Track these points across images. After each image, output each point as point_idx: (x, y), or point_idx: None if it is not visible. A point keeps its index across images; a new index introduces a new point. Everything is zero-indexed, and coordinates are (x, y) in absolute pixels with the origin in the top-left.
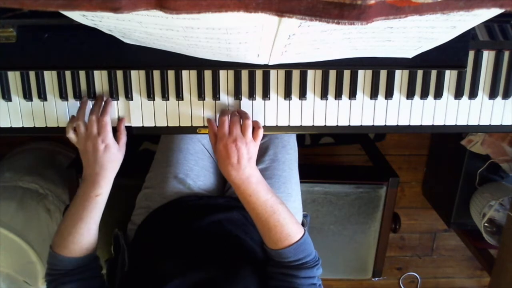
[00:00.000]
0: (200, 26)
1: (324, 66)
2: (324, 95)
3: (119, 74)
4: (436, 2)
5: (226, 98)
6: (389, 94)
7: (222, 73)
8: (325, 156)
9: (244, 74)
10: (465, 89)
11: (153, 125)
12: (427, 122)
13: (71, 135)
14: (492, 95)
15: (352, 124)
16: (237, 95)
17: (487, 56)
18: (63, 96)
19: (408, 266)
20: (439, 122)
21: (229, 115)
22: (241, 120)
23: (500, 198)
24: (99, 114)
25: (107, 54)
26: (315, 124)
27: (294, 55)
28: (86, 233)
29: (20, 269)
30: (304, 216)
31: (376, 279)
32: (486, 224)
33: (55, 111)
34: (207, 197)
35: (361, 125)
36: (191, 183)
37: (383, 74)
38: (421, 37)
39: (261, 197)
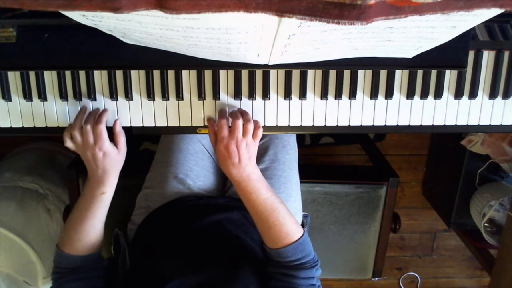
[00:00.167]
0: (200, 26)
1: (324, 66)
2: (324, 95)
3: (119, 74)
4: (436, 2)
5: (226, 98)
6: (389, 94)
7: (222, 73)
8: (325, 156)
9: (244, 74)
10: (465, 89)
11: (153, 125)
12: (427, 122)
13: (69, 144)
14: (492, 95)
15: (352, 124)
16: (237, 95)
17: (487, 56)
18: (63, 96)
19: (408, 266)
20: (439, 122)
21: (230, 116)
22: (242, 121)
23: (500, 198)
24: (93, 123)
25: (107, 54)
26: (315, 124)
27: (294, 55)
28: (92, 231)
29: (20, 269)
30: (305, 216)
31: (376, 279)
32: (486, 224)
33: (55, 111)
34: (207, 197)
35: (361, 125)
36: (191, 183)
37: (383, 74)
38: (421, 37)
39: (261, 195)
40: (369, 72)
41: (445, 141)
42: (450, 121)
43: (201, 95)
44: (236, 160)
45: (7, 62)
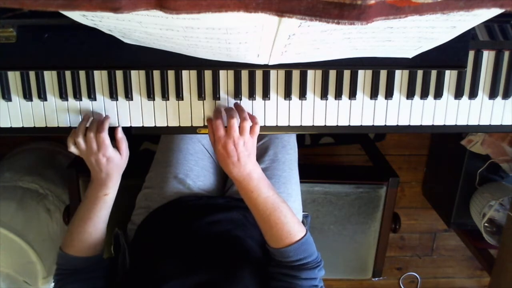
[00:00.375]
0: (200, 26)
1: (324, 66)
2: (324, 95)
3: (119, 74)
4: (436, 2)
5: (226, 98)
6: (389, 94)
7: (222, 73)
8: (325, 156)
9: (244, 74)
10: (465, 89)
11: (153, 125)
12: (427, 122)
13: (72, 149)
14: (492, 95)
15: (352, 124)
16: (237, 95)
17: (487, 56)
18: (63, 96)
19: (408, 266)
20: (439, 122)
21: (225, 114)
22: (239, 118)
23: (500, 198)
24: (95, 131)
25: (107, 54)
26: (315, 124)
27: (294, 55)
28: (94, 232)
29: (20, 269)
30: (305, 216)
31: (376, 279)
32: (486, 224)
33: (55, 111)
34: (206, 197)
35: (361, 125)
36: (191, 183)
37: (383, 74)
38: (421, 37)
39: (263, 194)
40: (369, 72)
41: (445, 141)
42: (450, 121)
43: (201, 95)
44: (235, 159)
45: (7, 62)
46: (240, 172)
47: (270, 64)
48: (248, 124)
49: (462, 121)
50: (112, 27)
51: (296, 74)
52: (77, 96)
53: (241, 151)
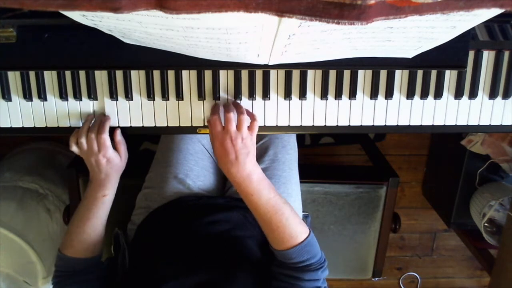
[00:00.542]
0: (200, 26)
1: (324, 66)
2: (324, 95)
3: (119, 74)
4: (436, 2)
5: (226, 98)
6: (389, 94)
7: (222, 73)
8: (325, 156)
9: (244, 74)
10: (465, 89)
11: (153, 125)
12: (427, 122)
13: (74, 149)
14: (492, 95)
15: (352, 124)
16: (237, 95)
17: (487, 56)
18: (63, 96)
19: (408, 266)
20: (439, 122)
21: (222, 110)
22: (236, 114)
23: (500, 198)
24: (97, 132)
25: (107, 54)
26: (315, 124)
27: (294, 55)
28: (93, 233)
29: (20, 269)
30: (305, 216)
31: (376, 279)
32: (486, 224)
33: (55, 111)
34: (206, 197)
35: (361, 125)
36: (190, 183)
37: (383, 74)
38: (421, 37)
39: (263, 196)
40: (369, 72)
41: (445, 141)
42: (450, 121)
43: (201, 95)
44: (233, 156)
45: (7, 62)
46: (239, 172)
47: (270, 64)
48: (245, 117)
49: (462, 121)
50: (112, 27)
51: (296, 74)
52: (77, 96)
53: (239, 148)
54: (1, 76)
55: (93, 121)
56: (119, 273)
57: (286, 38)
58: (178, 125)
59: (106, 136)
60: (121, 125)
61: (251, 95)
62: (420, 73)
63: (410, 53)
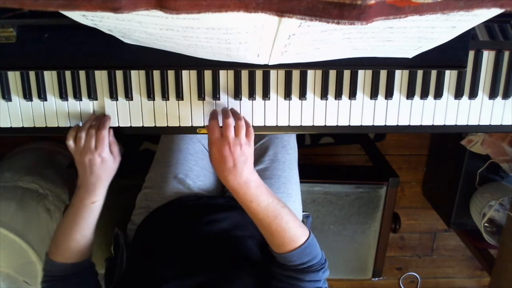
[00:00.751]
0: (200, 26)
1: (324, 66)
2: (324, 95)
3: (119, 74)
4: (436, 2)
5: (226, 98)
6: (389, 94)
7: (222, 73)
8: (325, 156)
9: (244, 74)
10: (465, 89)
11: (153, 125)
12: (427, 122)
13: (70, 143)
14: (492, 95)
15: (352, 124)
16: (237, 95)
17: (487, 56)
18: (63, 96)
19: (408, 266)
20: (439, 122)
21: (220, 116)
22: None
23: (500, 198)
24: (97, 128)
25: (107, 54)
26: (315, 124)
27: (294, 55)
28: (81, 240)
29: (20, 269)
30: (306, 216)
31: (376, 279)
32: (486, 224)
33: (55, 111)
34: (206, 197)
35: (361, 125)
36: (190, 183)
37: (383, 74)
38: (421, 37)
39: (262, 202)
40: (369, 72)
41: (445, 141)
42: (450, 121)
43: (201, 95)
44: (230, 164)
45: (7, 62)
46: (236, 180)
47: (270, 64)
48: (243, 123)
49: (462, 121)
50: (112, 27)
51: (296, 74)
52: (77, 96)
53: (238, 155)
54: (1, 76)
55: (94, 123)
56: (117, 273)
57: (286, 38)
58: (178, 125)
59: (106, 133)
60: (121, 125)
61: (251, 95)
62: (420, 73)
63: (410, 53)
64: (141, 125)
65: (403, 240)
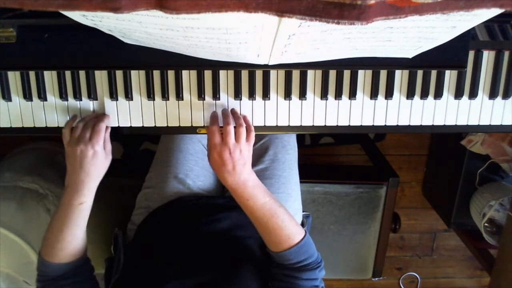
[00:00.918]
0: (200, 26)
1: (324, 66)
2: (324, 95)
3: (119, 74)
4: (436, 2)
5: (226, 98)
6: (389, 94)
7: (222, 73)
8: (325, 156)
9: (244, 74)
10: (465, 89)
11: (153, 125)
12: (427, 122)
13: (66, 131)
14: (492, 95)
15: (352, 124)
16: (237, 95)
17: (487, 56)
18: (63, 96)
19: (408, 266)
20: (439, 122)
21: (221, 118)
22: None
23: (500, 198)
24: (96, 120)
25: (107, 54)
26: (315, 124)
27: (294, 55)
28: (73, 240)
29: (20, 269)
30: (306, 216)
31: (376, 279)
32: (486, 224)
33: (55, 111)
34: (206, 197)
35: (361, 125)
36: (190, 183)
37: (383, 74)
38: (421, 37)
39: (259, 201)
40: (369, 72)
41: (445, 141)
42: (450, 121)
43: (201, 95)
44: (230, 167)
45: (7, 62)
46: (235, 180)
47: (270, 64)
48: (243, 130)
49: (462, 121)
50: (112, 27)
51: (296, 74)
52: (77, 96)
53: (237, 159)
54: (1, 76)
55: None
56: (117, 273)
57: (286, 38)
58: (178, 125)
59: (103, 126)
60: (121, 125)
61: (251, 95)
62: (420, 73)
63: (410, 53)
64: (141, 125)
65: (403, 240)
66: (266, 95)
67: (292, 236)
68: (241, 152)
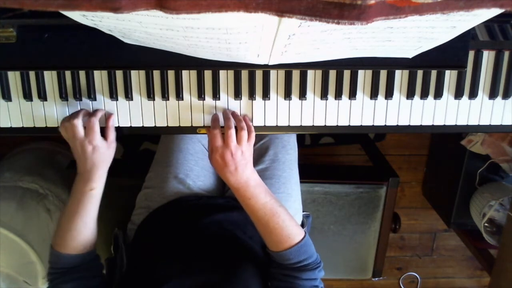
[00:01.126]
0: (200, 26)
1: (324, 66)
2: (324, 95)
3: (119, 74)
4: (436, 2)
5: (226, 98)
6: (389, 94)
7: (222, 73)
8: (325, 156)
9: (244, 74)
10: (465, 89)
11: (153, 125)
12: (427, 122)
13: (63, 131)
14: (492, 95)
15: (352, 124)
16: (237, 95)
17: (487, 56)
18: (63, 96)
19: (408, 266)
20: (439, 122)
21: (222, 120)
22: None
23: (500, 198)
24: (88, 117)
25: (107, 54)
26: (315, 124)
27: (294, 55)
28: (84, 229)
29: (20, 269)
30: (306, 216)
31: (376, 279)
32: (486, 224)
33: (55, 111)
34: (206, 197)
35: (361, 125)
36: (191, 183)
37: (383, 74)
38: (421, 37)
39: (260, 200)
40: (369, 72)
41: (445, 141)
42: (450, 121)
43: (201, 95)
44: (232, 168)
45: (7, 62)
46: (237, 180)
47: (270, 64)
48: (245, 133)
49: (462, 121)
50: (112, 27)
51: (296, 74)
52: (77, 96)
53: (239, 160)
54: (1, 76)
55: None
56: (118, 273)
57: (286, 38)
58: (178, 125)
59: (95, 120)
60: (121, 125)
61: (251, 95)
62: (420, 73)
63: (410, 53)
64: (141, 125)
65: (403, 240)
66: (266, 95)
67: (292, 236)
68: (242, 153)
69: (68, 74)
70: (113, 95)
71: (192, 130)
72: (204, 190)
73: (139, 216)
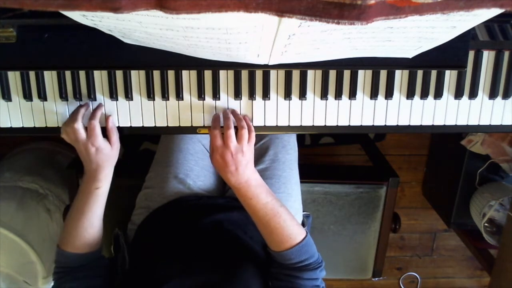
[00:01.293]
0: (200, 26)
1: (324, 66)
2: (324, 95)
3: (119, 74)
4: (436, 2)
5: (226, 98)
6: (389, 94)
7: (222, 73)
8: (325, 156)
9: (244, 74)
10: (465, 89)
11: (153, 125)
12: (427, 122)
13: (65, 136)
14: (492, 95)
15: (352, 124)
16: (237, 95)
17: (487, 56)
18: (63, 96)
19: (408, 266)
20: (439, 122)
21: (222, 120)
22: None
23: (500, 198)
24: (88, 119)
25: (107, 54)
26: (315, 124)
27: (294, 55)
28: (90, 228)
29: (20, 269)
30: (306, 216)
31: (376, 279)
32: (486, 224)
33: (55, 111)
34: (206, 197)
35: (361, 125)
36: (191, 183)
37: (383, 74)
38: (421, 37)
39: (261, 200)
40: (369, 72)
41: (445, 141)
42: (450, 121)
43: (201, 95)
44: (233, 168)
45: (7, 62)
46: (238, 180)
47: (270, 64)
48: (246, 132)
49: (462, 121)
50: (112, 27)
51: (296, 74)
52: (77, 96)
53: (239, 160)
54: (1, 76)
55: (86, 108)
56: (119, 273)
57: (286, 38)
58: (178, 125)
59: (95, 123)
60: (121, 125)
61: (251, 95)
62: (420, 73)
63: (410, 53)
64: (141, 125)
65: (403, 240)
66: (266, 95)
67: (293, 236)
68: (243, 154)
69: (68, 74)
70: (113, 95)
71: (192, 130)
72: (204, 190)
73: (139, 216)
